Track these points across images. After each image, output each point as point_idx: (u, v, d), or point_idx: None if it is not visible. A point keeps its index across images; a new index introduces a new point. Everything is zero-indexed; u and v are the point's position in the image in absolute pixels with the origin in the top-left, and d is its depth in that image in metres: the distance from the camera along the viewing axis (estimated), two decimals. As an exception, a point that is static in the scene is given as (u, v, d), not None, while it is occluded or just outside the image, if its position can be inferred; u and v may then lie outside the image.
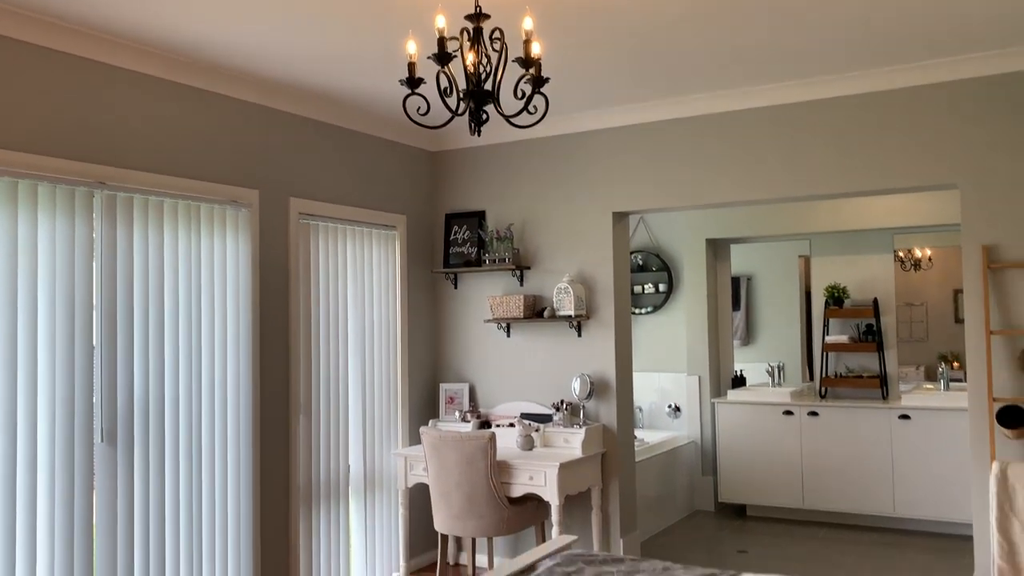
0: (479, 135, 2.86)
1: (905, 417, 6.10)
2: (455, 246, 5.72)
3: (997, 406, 4.18)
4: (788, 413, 6.51)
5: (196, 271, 4.15)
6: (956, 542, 5.73)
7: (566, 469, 4.78)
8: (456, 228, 5.73)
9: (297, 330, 4.69)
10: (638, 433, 6.62)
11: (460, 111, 2.86)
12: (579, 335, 5.34)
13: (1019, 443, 4.19)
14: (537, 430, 5.14)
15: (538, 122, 3.03)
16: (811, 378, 7.27)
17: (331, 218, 4.99)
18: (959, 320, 7.49)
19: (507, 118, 2.90)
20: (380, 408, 5.32)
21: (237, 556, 4.30)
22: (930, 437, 5.99)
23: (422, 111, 3.07)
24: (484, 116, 2.83)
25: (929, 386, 6.89)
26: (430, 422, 5.50)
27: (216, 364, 4.24)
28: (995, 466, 4.14)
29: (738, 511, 6.79)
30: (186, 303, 4.09)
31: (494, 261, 5.49)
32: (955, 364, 6.92)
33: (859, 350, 6.77)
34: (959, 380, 6.61)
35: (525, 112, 2.89)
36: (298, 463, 4.65)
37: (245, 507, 4.34)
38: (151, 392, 3.91)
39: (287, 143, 4.74)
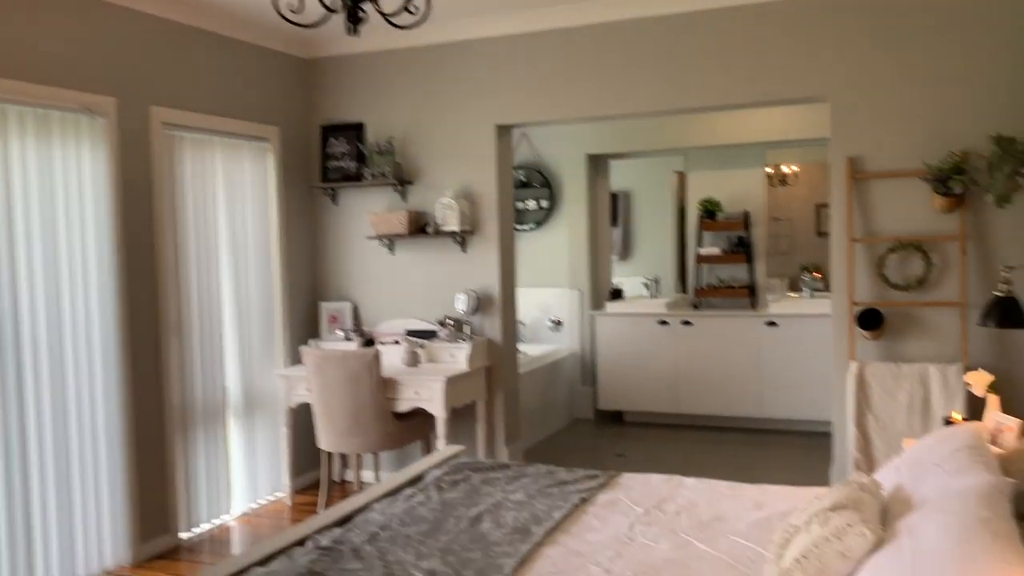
0: (357, 34, 2.71)
1: (772, 324, 6.43)
2: (333, 160, 5.52)
3: (857, 310, 4.44)
4: (663, 323, 6.74)
5: (50, 185, 3.84)
6: (817, 438, 6.14)
7: (452, 383, 4.81)
8: (333, 141, 5.53)
9: (164, 248, 4.45)
10: (521, 347, 6.72)
11: (336, 7, 2.70)
12: (463, 251, 5.31)
13: (876, 344, 4.48)
14: (422, 346, 5.12)
15: (420, 22, 2.91)
16: (685, 290, 7.53)
17: (198, 129, 4.70)
18: (821, 234, 7.88)
19: (386, 17, 2.77)
20: (258, 329, 5.16)
21: (112, 480, 4.13)
22: (795, 342, 6.34)
23: (294, 7, 2.88)
24: (362, 14, 2.68)
25: (793, 295, 7.28)
26: (310, 342, 5.39)
27: (78, 286, 3.98)
28: (854, 366, 4.43)
29: (616, 418, 7.05)
30: (41, 220, 3.79)
31: (375, 176, 5.34)
32: (816, 274, 7.30)
33: (730, 262, 7.04)
34: (820, 290, 7.01)
35: (405, 11, 2.77)
36: (171, 385, 4.48)
37: (115, 430, 4.15)
38: (5, 314, 3.63)
39: (148, 47, 4.39)
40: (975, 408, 3.93)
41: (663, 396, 6.74)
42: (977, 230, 4.24)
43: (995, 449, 2.73)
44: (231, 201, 4.95)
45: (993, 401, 3.26)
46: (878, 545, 2.04)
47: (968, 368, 4.04)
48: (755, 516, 2.78)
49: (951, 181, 4.08)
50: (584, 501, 3.00)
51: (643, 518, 2.81)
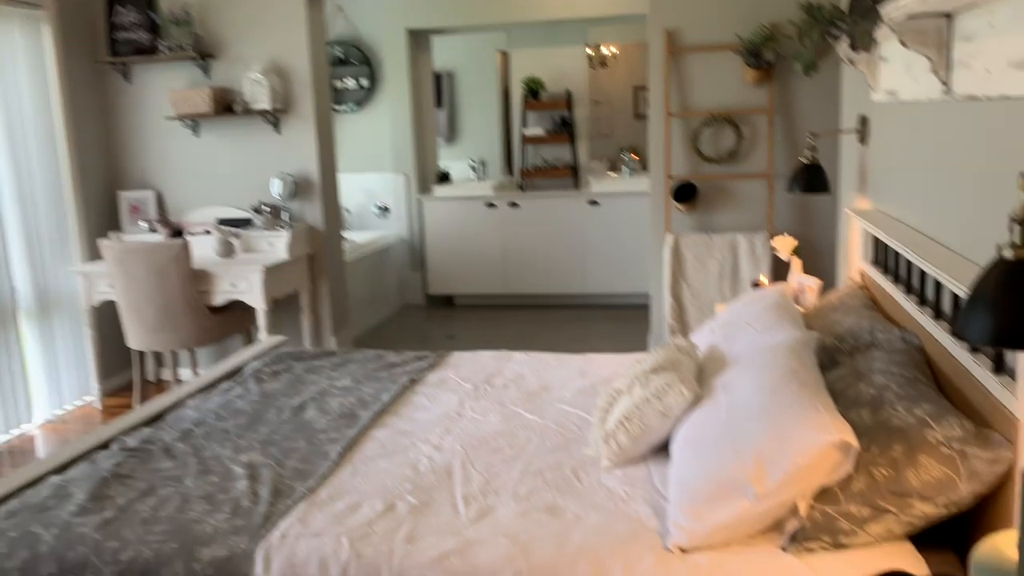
0: None
1: (594, 204, 6.54)
2: (121, 31, 4.94)
3: (673, 184, 4.56)
4: (491, 206, 6.71)
5: None
6: (637, 311, 6.39)
7: (271, 272, 4.57)
8: (120, 9, 4.92)
9: (-78, 131, 3.86)
10: (347, 234, 6.50)
11: None
12: (277, 132, 4.97)
13: (690, 217, 4.64)
14: (237, 236, 4.82)
15: None
16: (511, 172, 7.50)
17: (-50, -9, 4.04)
18: (639, 116, 8.03)
19: None
20: (47, 223, 4.66)
21: None
22: (616, 220, 6.50)
23: None
24: None
25: (613, 175, 7.42)
26: (111, 235, 4.94)
27: None
28: (670, 238, 4.58)
29: (446, 301, 7.05)
30: None
31: (172, 49, 4.84)
32: (635, 156, 7.46)
33: (554, 142, 7.06)
34: (638, 172, 7.17)
35: None
36: (-52, 289, 3.99)
37: None
38: None
39: None
40: (780, 272, 4.18)
41: (492, 278, 6.78)
42: (785, 101, 4.41)
43: (799, 308, 2.89)
44: (1, 79, 4.35)
45: (796, 264, 3.46)
46: (696, 402, 2.12)
47: (773, 235, 4.26)
48: (580, 384, 2.84)
49: (762, 52, 4.19)
50: (413, 382, 2.95)
51: (472, 394, 2.80)
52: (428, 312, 6.86)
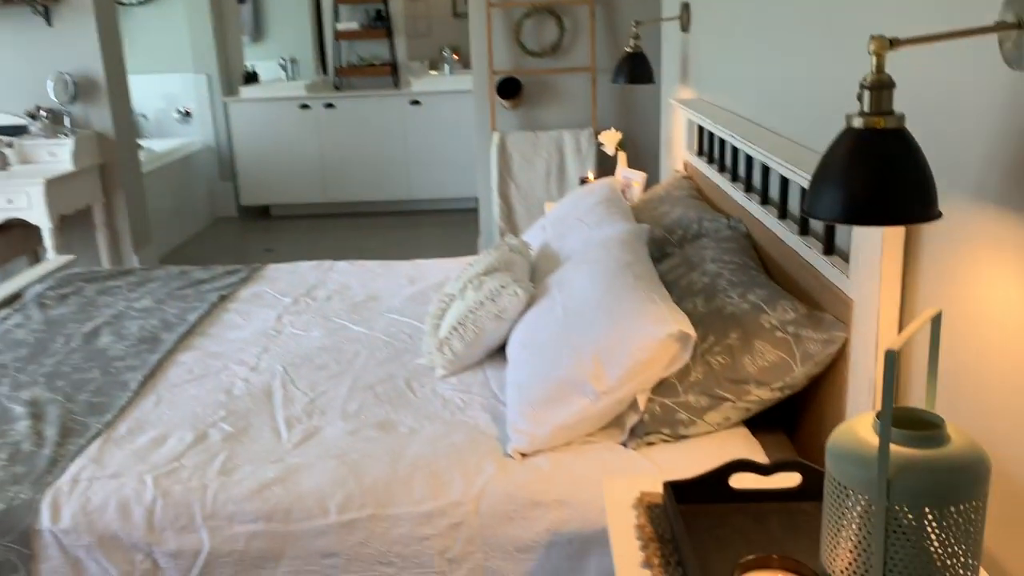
0: None
1: (416, 103, 6.27)
2: None
3: (496, 79, 4.39)
4: (305, 107, 6.29)
5: None
6: (466, 215, 6.27)
7: (55, 186, 4.06)
8: None
9: None
10: (145, 143, 5.90)
11: None
12: (48, 23, 4.34)
13: (515, 114, 4.51)
14: (10, 145, 4.22)
15: None
16: (325, 71, 7.05)
17: None
18: (457, 14, 7.71)
19: None
20: None
21: None
22: (439, 121, 6.27)
23: None
24: None
25: (434, 73, 7.13)
26: None
27: None
28: (496, 136, 4.44)
29: (262, 212, 6.62)
30: None
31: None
32: (455, 56, 7.18)
33: (370, 38, 6.66)
34: (458, 71, 6.93)
35: None
36: None
37: None
38: None
39: None
40: (606, 168, 4.16)
41: (310, 186, 6.40)
42: (605, -6, 4.30)
43: (626, 202, 2.85)
44: None
45: (622, 158, 3.42)
46: (531, 302, 2.02)
47: (598, 131, 4.21)
48: (409, 291, 2.68)
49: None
50: (224, 299, 2.69)
51: (292, 308, 2.58)
52: (242, 225, 6.43)
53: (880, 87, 1.02)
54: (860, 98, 1.05)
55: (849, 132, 1.04)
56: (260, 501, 1.59)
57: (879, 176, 1.01)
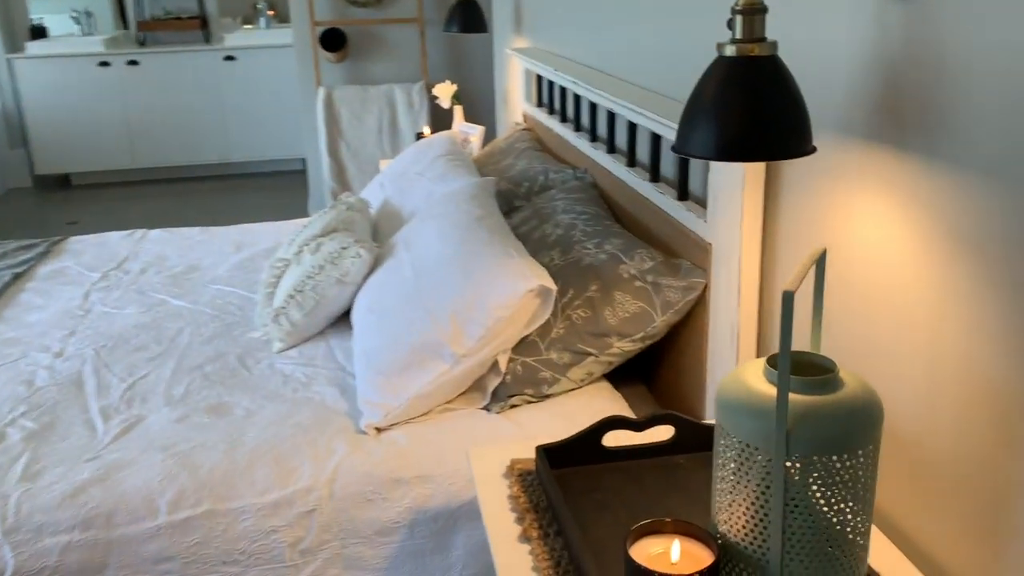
0: None
1: (231, 59, 5.84)
2: None
3: (320, 30, 4.13)
4: (104, 65, 5.71)
5: None
6: (293, 176, 5.94)
7: None
8: None
9: None
10: (-91, 105, 5.16)
11: None
12: None
13: (341, 67, 4.27)
14: None
15: None
16: (126, 24, 6.44)
17: None
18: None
19: None
20: None
21: None
22: (257, 78, 5.88)
23: None
24: None
25: (249, 27, 6.68)
26: None
27: None
28: (321, 92, 4.19)
29: (61, 182, 5.99)
30: None
31: None
32: (271, 12, 6.75)
33: (175, -12, 6.13)
34: (275, 26, 6.52)
35: None
36: None
37: None
38: None
39: None
40: (440, 122, 4.02)
41: (116, 151, 5.85)
42: (430, -60, 4.12)
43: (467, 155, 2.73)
44: None
45: (458, 112, 3.29)
46: (376, 263, 1.87)
47: (429, 85, 4.06)
48: (236, 259, 2.46)
49: None
50: (18, 277, 2.36)
51: (101, 284, 2.30)
52: (39, 196, 5.79)
53: (753, 11, 0.96)
54: (731, 24, 0.98)
55: (721, 61, 0.97)
56: (75, 507, 1.38)
57: (755, 109, 0.94)
